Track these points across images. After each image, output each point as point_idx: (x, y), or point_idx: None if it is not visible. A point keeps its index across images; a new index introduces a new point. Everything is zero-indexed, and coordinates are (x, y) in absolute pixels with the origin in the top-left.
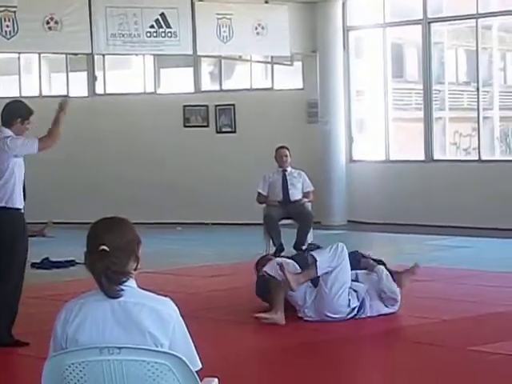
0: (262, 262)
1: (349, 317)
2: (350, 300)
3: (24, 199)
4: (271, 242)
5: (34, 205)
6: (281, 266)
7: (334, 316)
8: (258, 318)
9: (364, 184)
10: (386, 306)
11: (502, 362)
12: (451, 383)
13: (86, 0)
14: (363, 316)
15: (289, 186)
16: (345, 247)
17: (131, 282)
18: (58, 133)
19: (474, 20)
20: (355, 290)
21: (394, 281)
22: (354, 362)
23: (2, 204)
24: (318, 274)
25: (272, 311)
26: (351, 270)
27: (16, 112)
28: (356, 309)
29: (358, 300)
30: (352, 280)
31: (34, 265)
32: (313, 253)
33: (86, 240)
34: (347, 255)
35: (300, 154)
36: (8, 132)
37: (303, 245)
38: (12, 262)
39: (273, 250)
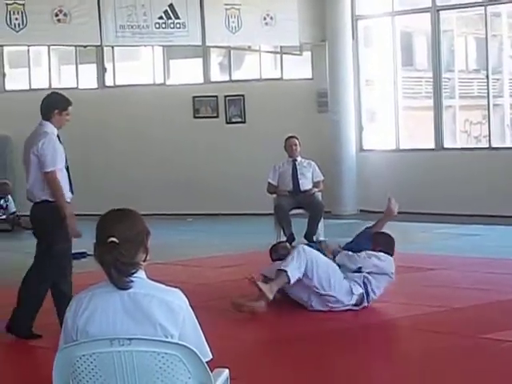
0: (277, 248)
1: (360, 306)
2: (351, 288)
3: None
4: (282, 231)
5: None
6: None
7: (340, 306)
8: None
9: (374, 173)
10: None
11: None
12: (464, 371)
13: None
14: (374, 297)
15: (299, 176)
16: (305, 246)
17: (141, 274)
18: (58, 196)
19: (483, 7)
20: (354, 280)
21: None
22: (365, 350)
23: (39, 197)
24: (292, 283)
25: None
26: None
27: (53, 104)
28: (364, 294)
29: (362, 287)
30: (354, 271)
31: None
32: (280, 267)
33: (95, 231)
34: (311, 251)
35: (310, 143)
36: (48, 126)
37: (314, 234)
38: (48, 255)
39: (284, 239)
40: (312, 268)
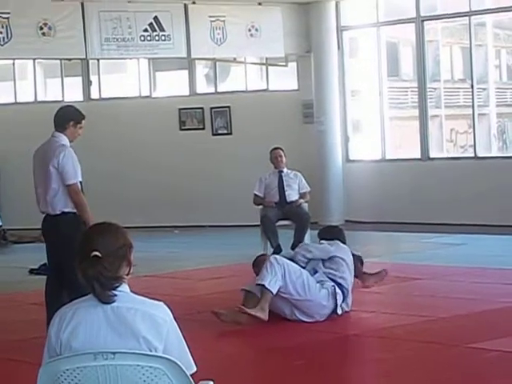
0: (258, 262)
1: (340, 311)
2: (325, 288)
3: None
4: (269, 243)
5: (32, 211)
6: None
7: (323, 312)
8: (217, 314)
9: (361, 183)
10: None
11: (500, 359)
12: (449, 381)
13: (79, 5)
14: (346, 289)
15: (285, 187)
16: (275, 256)
17: (124, 287)
18: (84, 207)
19: (468, 17)
20: (320, 280)
21: (356, 276)
22: (351, 361)
23: (60, 209)
24: (274, 293)
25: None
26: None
27: (69, 115)
28: (335, 288)
29: (330, 281)
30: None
31: (32, 271)
32: (257, 282)
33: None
34: (281, 259)
35: (296, 154)
36: (62, 138)
37: None
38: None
39: (270, 251)
40: (285, 275)
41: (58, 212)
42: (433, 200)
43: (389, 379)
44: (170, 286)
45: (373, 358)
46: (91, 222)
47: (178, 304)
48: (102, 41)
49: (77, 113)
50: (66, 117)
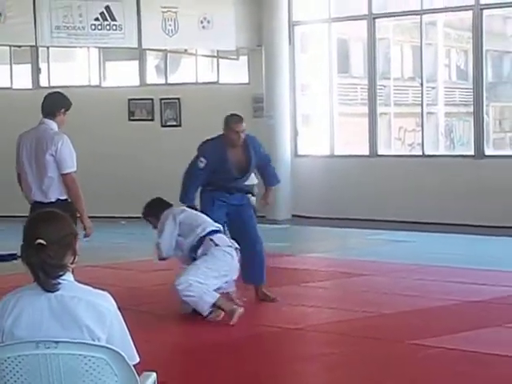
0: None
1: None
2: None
3: None
4: None
5: None
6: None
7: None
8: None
9: (309, 179)
10: None
11: (442, 356)
12: (391, 377)
13: None
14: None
15: None
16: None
17: (68, 276)
18: (79, 195)
19: (419, 16)
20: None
21: None
22: (295, 355)
23: (56, 197)
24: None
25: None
26: None
27: (60, 102)
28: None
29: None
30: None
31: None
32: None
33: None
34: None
35: None
36: (52, 125)
37: None
38: None
39: None
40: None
41: (53, 200)
42: (380, 197)
43: (332, 374)
44: (112, 277)
45: (317, 353)
46: (85, 212)
47: (119, 294)
48: (53, 28)
49: (66, 100)
50: (57, 104)
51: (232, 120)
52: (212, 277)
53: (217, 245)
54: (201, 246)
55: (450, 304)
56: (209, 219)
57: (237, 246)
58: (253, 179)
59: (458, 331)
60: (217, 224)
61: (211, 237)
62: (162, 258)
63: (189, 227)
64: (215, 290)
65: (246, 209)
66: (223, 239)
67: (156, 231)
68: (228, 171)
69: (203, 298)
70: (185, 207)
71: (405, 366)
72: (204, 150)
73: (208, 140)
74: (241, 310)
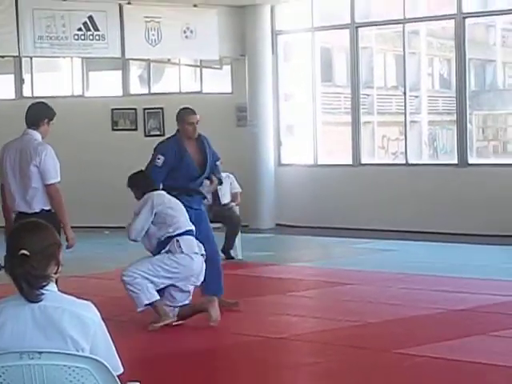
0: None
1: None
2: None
3: None
4: None
5: None
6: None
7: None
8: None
9: (292, 188)
10: None
11: (427, 365)
12: None
13: (13, 2)
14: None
15: (217, 189)
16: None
17: (52, 286)
18: (62, 206)
19: (401, 25)
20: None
21: None
22: (279, 365)
23: (40, 207)
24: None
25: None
26: None
27: (44, 112)
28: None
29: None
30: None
31: None
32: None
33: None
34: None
35: (229, 157)
36: (36, 135)
37: (231, 249)
38: None
39: None
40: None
41: (38, 210)
42: (364, 206)
43: (317, 383)
44: (96, 287)
45: (301, 363)
46: (67, 222)
47: (104, 305)
48: (36, 38)
49: (50, 110)
50: (41, 114)
51: (185, 113)
52: (163, 276)
53: (182, 251)
54: (166, 245)
55: (434, 313)
56: (184, 217)
57: (203, 252)
58: (236, 187)
59: (443, 340)
60: (191, 224)
61: (179, 238)
62: (131, 239)
63: (163, 220)
64: (173, 297)
65: (204, 218)
66: (190, 245)
67: (135, 205)
68: (188, 165)
69: (140, 297)
70: (165, 194)
71: (391, 375)
72: (160, 147)
73: (163, 140)
74: (169, 321)
